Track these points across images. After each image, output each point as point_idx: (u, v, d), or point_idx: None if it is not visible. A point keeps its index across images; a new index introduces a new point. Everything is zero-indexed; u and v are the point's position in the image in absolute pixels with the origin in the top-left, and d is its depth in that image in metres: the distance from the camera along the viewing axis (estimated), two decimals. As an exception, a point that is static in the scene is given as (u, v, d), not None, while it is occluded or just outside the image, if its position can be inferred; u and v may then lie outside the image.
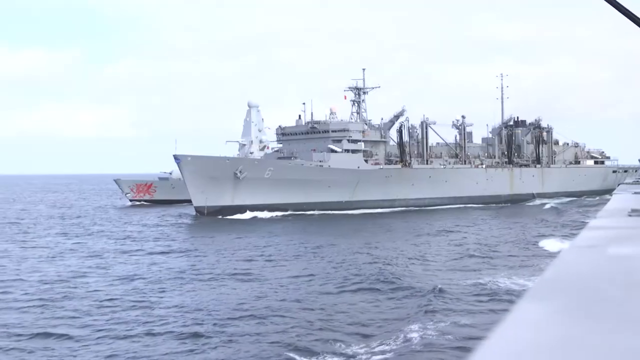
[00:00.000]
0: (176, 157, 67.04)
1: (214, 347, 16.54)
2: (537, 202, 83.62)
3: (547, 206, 75.79)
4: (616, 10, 5.60)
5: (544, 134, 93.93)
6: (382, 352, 15.63)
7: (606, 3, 5.57)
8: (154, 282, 26.61)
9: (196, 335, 17.78)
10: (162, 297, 23.35)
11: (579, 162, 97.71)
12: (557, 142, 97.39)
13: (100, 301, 22.80)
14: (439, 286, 23.61)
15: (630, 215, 6.12)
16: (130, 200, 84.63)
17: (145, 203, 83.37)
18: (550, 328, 1.82)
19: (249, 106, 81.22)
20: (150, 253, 36.51)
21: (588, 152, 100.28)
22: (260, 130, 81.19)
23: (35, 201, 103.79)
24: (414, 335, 16.96)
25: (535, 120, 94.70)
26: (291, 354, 15.75)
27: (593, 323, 1.88)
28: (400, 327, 17.99)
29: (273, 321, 19.35)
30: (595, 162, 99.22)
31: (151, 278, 27.65)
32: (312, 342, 16.84)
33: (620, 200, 9.37)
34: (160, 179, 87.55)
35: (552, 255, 30.37)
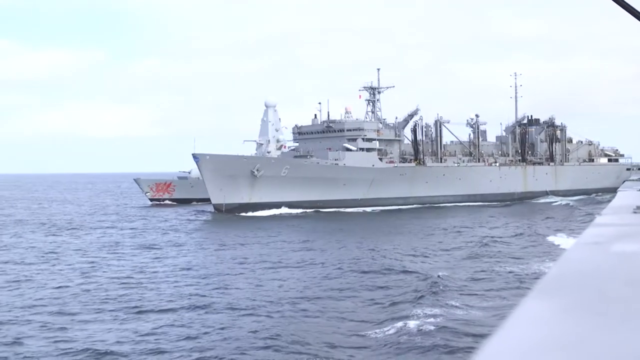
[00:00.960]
0: (195, 156, 70.08)
1: (294, 322, 20.25)
2: (549, 199, 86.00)
3: (559, 203, 78.32)
4: (623, 10, 5.60)
5: (558, 132, 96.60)
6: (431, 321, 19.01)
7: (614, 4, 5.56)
8: (220, 269, 30.80)
9: (276, 311, 21.52)
10: (233, 281, 27.49)
11: (592, 160, 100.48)
12: (570, 140, 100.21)
13: (179, 285, 26.88)
14: (472, 276, 27.08)
15: (635, 212, 6.17)
16: (150, 200, 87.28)
17: (164, 202, 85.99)
18: (555, 325, 1.86)
19: (266, 106, 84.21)
20: (200, 244, 41.34)
21: (602, 150, 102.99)
22: (277, 130, 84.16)
23: (70, 199, 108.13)
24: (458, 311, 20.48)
25: (549, 118, 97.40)
26: (365, 326, 19.33)
27: (598, 320, 1.90)
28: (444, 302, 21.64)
29: (340, 300, 23.28)
30: (609, 160, 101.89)
31: (214, 267, 31.84)
32: (379, 315, 20.69)
33: (625, 197, 9.41)
34: (179, 178, 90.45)
35: (561, 250, 33.22)
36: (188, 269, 31.09)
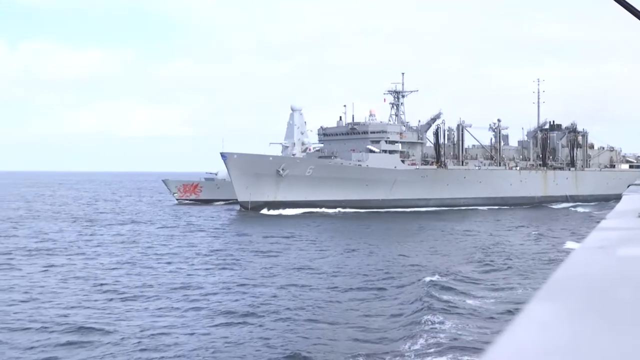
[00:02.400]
0: (223, 155, 74.37)
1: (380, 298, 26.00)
2: (568, 204, 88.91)
3: (578, 209, 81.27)
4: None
5: (579, 137, 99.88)
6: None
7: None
8: (300, 255, 37.54)
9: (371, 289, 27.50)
10: (314, 262, 34.56)
11: (613, 166, 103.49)
12: (592, 146, 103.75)
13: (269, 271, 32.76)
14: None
15: None
16: (177, 200, 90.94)
17: (191, 202, 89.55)
18: (559, 329, 1.90)
19: (292, 109, 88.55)
20: (267, 236, 48.21)
21: (623, 156, 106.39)
22: (302, 133, 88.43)
23: (115, 198, 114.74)
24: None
25: (571, 124, 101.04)
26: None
27: (603, 324, 1.94)
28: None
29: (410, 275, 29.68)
30: (630, 167, 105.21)
31: (291, 255, 38.17)
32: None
33: (630, 201, 9.68)
34: (206, 179, 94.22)
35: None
36: (269, 255, 38.14)
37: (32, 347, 19.15)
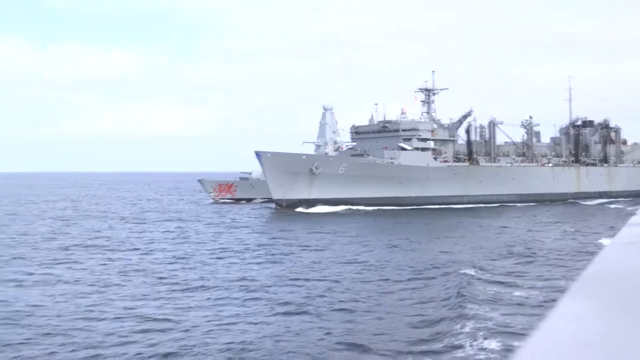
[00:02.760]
0: (257, 153, 75.92)
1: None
2: (601, 200, 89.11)
3: (612, 205, 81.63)
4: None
5: (612, 133, 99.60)
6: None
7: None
8: (345, 250, 39.49)
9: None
10: (360, 256, 36.43)
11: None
12: (625, 142, 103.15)
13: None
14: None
15: None
16: (213, 199, 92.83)
17: (227, 201, 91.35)
18: (592, 324, 1.94)
19: (324, 109, 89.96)
20: (310, 232, 50.56)
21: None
22: (334, 132, 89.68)
23: (157, 197, 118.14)
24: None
25: (604, 120, 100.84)
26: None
27: (635, 319, 1.98)
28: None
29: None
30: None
31: (337, 250, 39.89)
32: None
33: None
34: (241, 179, 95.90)
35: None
36: (328, 249, 40.09)
37: (110, 334, 20.55)
